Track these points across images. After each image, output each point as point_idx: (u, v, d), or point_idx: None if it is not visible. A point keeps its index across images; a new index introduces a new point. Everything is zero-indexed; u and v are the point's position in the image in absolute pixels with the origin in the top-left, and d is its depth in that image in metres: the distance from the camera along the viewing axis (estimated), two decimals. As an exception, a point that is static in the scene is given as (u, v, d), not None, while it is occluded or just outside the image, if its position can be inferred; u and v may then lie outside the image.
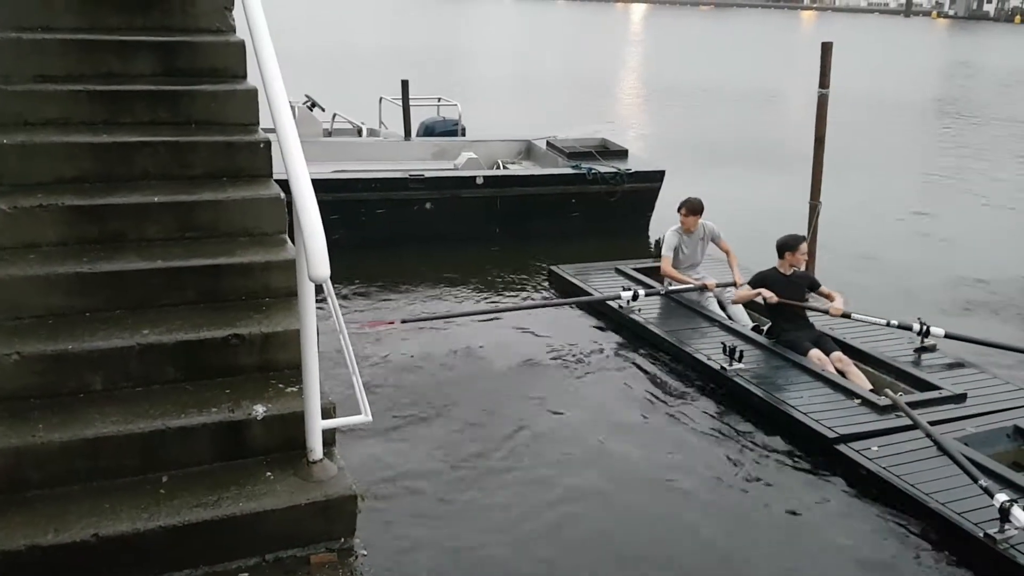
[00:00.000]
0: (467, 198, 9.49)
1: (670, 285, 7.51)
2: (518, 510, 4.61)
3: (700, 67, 32.78)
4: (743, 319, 7.25)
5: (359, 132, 11.55)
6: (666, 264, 7.48)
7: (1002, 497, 4.26)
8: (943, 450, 4.86)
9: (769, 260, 6.85)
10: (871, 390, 5.83)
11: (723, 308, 7.36)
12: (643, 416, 5.76)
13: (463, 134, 11.66)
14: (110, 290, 3.73)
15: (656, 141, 16.87)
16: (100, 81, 4.24)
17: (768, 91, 26.40)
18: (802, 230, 7.47)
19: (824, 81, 7.70)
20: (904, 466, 4.85)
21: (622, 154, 10.66)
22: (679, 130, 18.83)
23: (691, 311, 7.21)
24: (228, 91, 4.40)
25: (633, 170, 10.10)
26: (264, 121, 4.03)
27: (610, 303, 7.35)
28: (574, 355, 6.67)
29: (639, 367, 6.52)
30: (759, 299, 6.68)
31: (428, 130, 11.71)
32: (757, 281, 6.74)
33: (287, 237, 4.15)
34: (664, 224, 8.50)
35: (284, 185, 3.41)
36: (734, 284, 7.26)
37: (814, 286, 6.81)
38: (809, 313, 6.68)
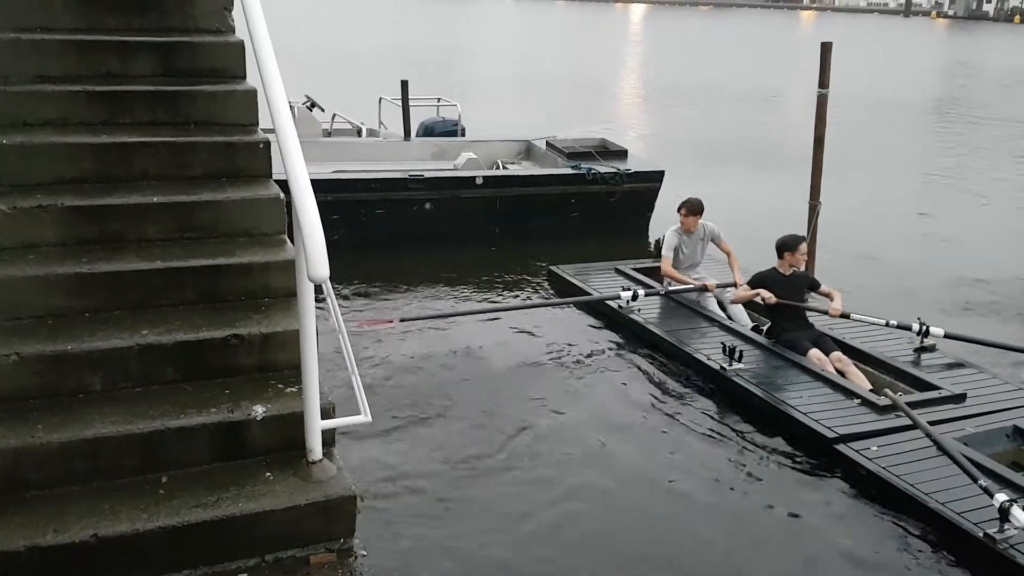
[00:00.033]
0: (467, 198, 9.49)
1: (670, 285, 7.51)
2: (518, 510, 4.61)
3: (700, 67, 32.78)
4: (743, 319, 7.25)
5: (359, 132, 11.55)
6: (666, 264, 7.49)
7: (1002, 497, 4.26)
8: (943, 450, 4.86)
9: (768, 260, 6.86)
10: (871, 390, 5.83)
11: (723, 308, 7.36)
12: (642, 416, 5.76)
13: (463, 134, 11.66)
14: (109, 290, 3.73)
15: (656, 141, 16.87)
16: (99, 82, 4.24)
17: (768, 91, 26.40)
18: (802, 230, 7.47)
19: (823, 81, 7.70)
20: (904, 466, 4.85)
21: (622, 154, 10.66)
22: (679, 130, 18.83)
23: (691, 311, 7.21)
24: (227, 91, 4.40)
25: (633, 170, 10.10)
26: (264, 121, 4.03)
27: (609, 303, 7.35)
28: (573, 355, 6.67)
29: (639, 367, 6.52)
30: (758, 299, 6.68)
31: (428, 130, 11.71)
32: (756, 281, 6.74)
33: (286, 237, 4.15)
34: (664, 224, 8.50)
35: (284, 185, 3.41)
36: (734, 285, 7.26)
37: (814, 286, 6.81)
38: (809, 313, 6.68)
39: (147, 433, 3.38)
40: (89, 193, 3.95)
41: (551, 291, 8.26)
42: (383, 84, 12.94)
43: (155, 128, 4.23)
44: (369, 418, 3.56)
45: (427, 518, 4.47)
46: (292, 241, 3.53)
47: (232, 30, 4.63)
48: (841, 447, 5.09)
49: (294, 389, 3.66)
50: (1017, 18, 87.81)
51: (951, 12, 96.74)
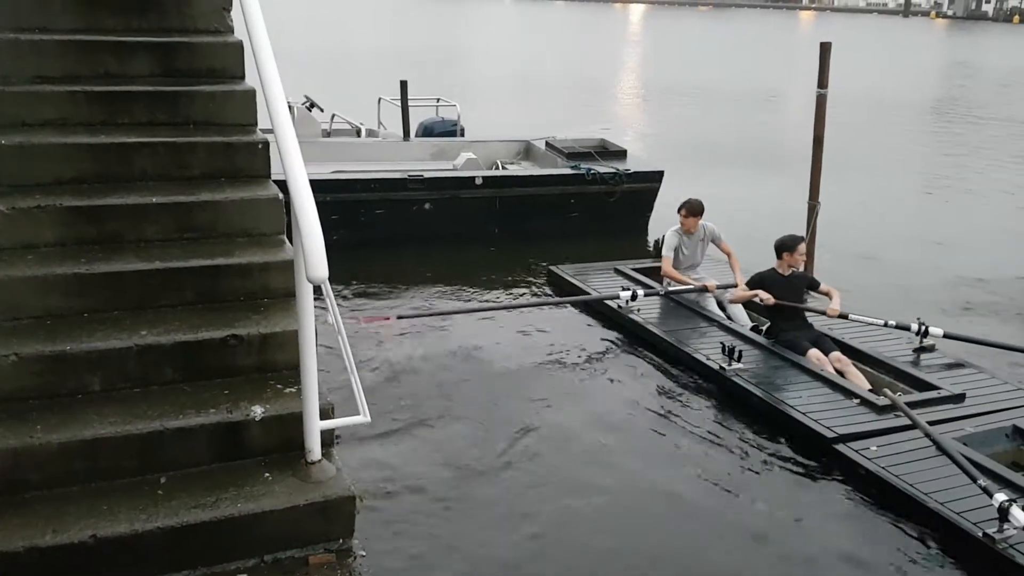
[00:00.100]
0: (466, 198, 9.49)
1: (669, 285, 7.51)
2: (517, 510, 4.61)
3: (699, 67, 32.79)
4: (742, 319, 7.25)
5: (358, 132, 11.55)
6: (667, 265, 7.49)
7: (1001, 497, 4.26)
8: (942, 450, 4.86)
9: (768, 261, 6.86)
10: (870, 390, 5.84)
11: (722, 308, 7.37)
12: (642, 416, 5.76)
13: (462, 134, 11.66)
14: (108, 291, 3.73)
15: (655, 141, 16.88)
16: (98, 82, 4.23)
17: (767, 91, 26.41)
18: (801, 230, 7.47)
19: (823, 81, 7.71)
20: (903, 466, 4.86)
21: (621, 154, 10.66)
22: (678, 130, 18.83)
23: (690, 311, 7.21)
24: (226, 92, 4.40)
25: (632, 170, 10.11)
26: (263, 122, 4.03)
27: (609, 303, 7.36)
28: (573, 355, 6.67)
29: (638, 367, 6.52)
30: (756, 300, 6.68)
31: (427, 130, 11.70)
32: (755, 282, 6.74)
33: (285, 238, 4.14)
34: (663, 224, 8.51)
35: (283, 186, 3.41)
36: (735, 286, 7.25)
37: (813, 286, 6.81)
38: (808, 313, 6.68)
39: (146, 434, 3.38)
40: (88, 193, 3.95)
41: (551, 291, 8.26)
42: (382, 84, 12.94)
43: (154, 128, 4.22)
44: (368, 418, 3.55)
45: (426, 518, 4.47)
46: (291, 241, 3.53)
47: (231, 30, 4.63)
48: (840, 447, 5.10)
49: (293, 389, 3.66)
50: (1016, 18, 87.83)
51: (950, 12, 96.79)
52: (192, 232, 4.04)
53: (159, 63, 4.38)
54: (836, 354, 6.26)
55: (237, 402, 3.57)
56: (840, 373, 6.09)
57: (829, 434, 5.22)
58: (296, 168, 3.22)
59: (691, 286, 7.39)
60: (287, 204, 3.38)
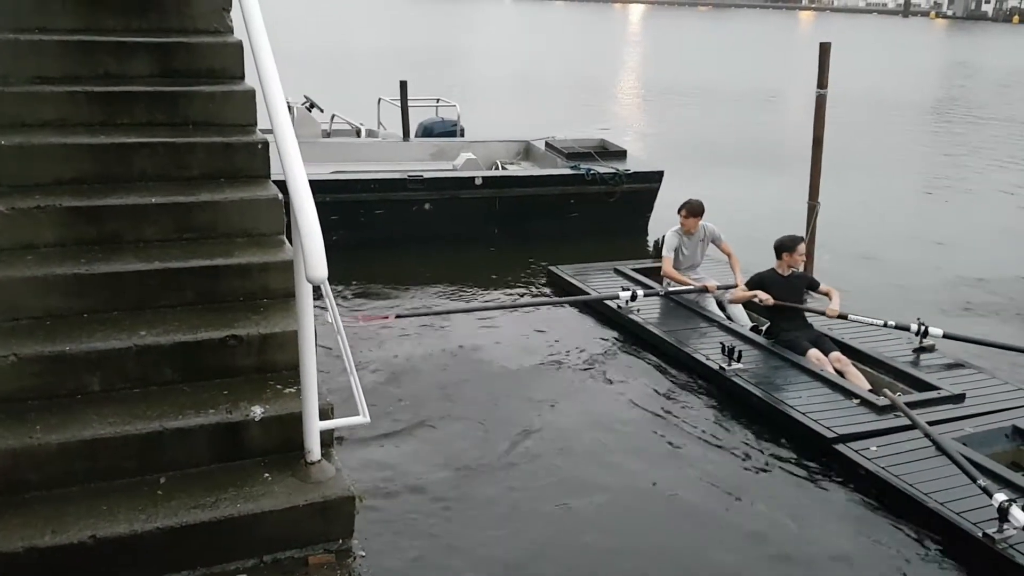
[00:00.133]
0: (466, 199, 9.48)
1: (669, 285, 7.51)
2: (517, 510, 4.61)
3: (699, 67, 32.80)
4: (742, 319, 7.25)
5: (358, 133, 11.55)
6: (667, 265, 7.49)
7: (1001, 497, 4.26)
8: (942, 450, 4.86)
9: (767, 261, 6.86)
10: (870, 390, 5.84)
11: (722, 308, 7.37)
12: (641, 416, 5.75)
13: (462, 135, 11.66)
14: (108, 291, 3.73)
15: (655, 141, 16.88)
16: (98, 82, 4.24)
17: (767, 91, 26.42)
18: (801, 230, 7.47)
19: (822, 81, 7.71)
20: (903, 466, 4.86)
21: (621, 155, 10.66)
22: (678, 130, 18.84)
23: (690, 311, 7.21)
24: (226, 92, 4.40)
25: (632, 171, 10.10)
26: (262, 122, 4.03)
27: (608, 303, 7.36)
28: (572, 355, 6.67)
29: (638, 367, 6.51)
30: (755, 300, 6.68)
31: (427, 131, 11.70)
32: (754, 282, 6.75)
33: (285, 238, 4.15)
34: (663, 224, 8.51)
35: (282, 186, 3.41)
36: (735, 287, 7.25)
37: (813, 286, 6.81)
38: (807, 313, 6.68)
39: (145, 434, 3.38)
40: (87, 194, 3.95)
41: (550, 291, 8.26)
42: (382, 85, 12.95)
43: (153, 129, 4.23)
44: (368, 419, 3.55)
45: (426, 518, 4.47)
46: (291, 242, 3.53)
47: (230, 30, 4.63)
48: (840, 447, 5.10)
49: (292, 390, 3.66)
50: (1016, 18, 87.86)
51: (950, 12, 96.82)
52: (191, 232, 4.05)
53: (159, 63, 4.38)
54: (836, 354, 6.26)
55: (237, 402, 3.58)
56: (840, 373, 6.09)
57: (829, 434, 5.22)
58: (295, 168, 3.23)
59: (691, 286, 7.39)
60: (287, 204, 3.38)
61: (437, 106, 12.16)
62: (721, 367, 6.09)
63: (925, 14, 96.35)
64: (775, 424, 5.55)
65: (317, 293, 3.34)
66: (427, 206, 9.32)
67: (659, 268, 7.70)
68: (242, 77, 4.52)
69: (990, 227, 11.48)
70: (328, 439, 3.66)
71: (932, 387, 5.85)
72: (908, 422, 5.19)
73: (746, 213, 10.43)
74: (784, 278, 6.67)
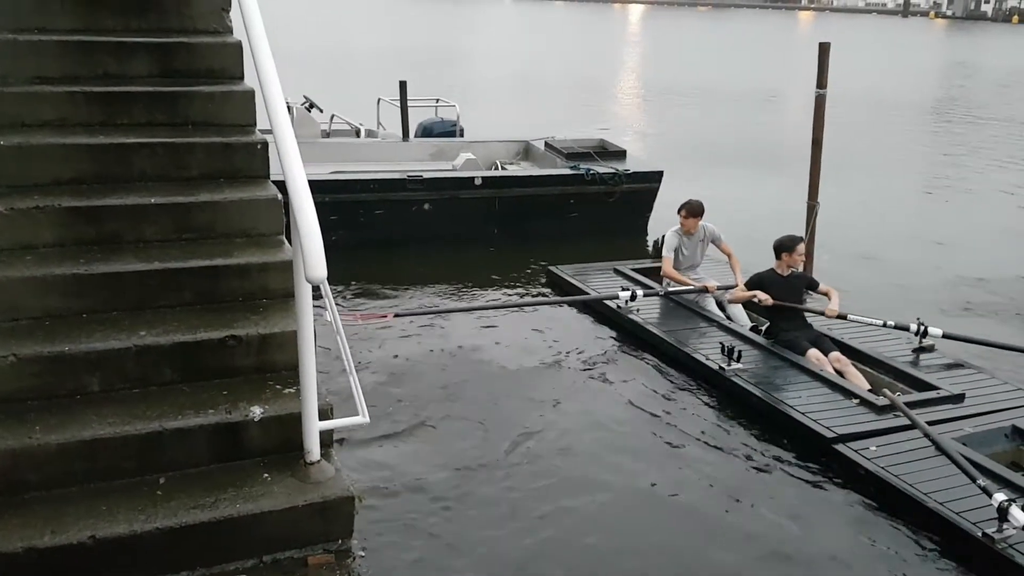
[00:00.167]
0: (465, 199, 9.48)
1: (669, 286, 7.51)
2: (516, 511, 4.60)
3: (698, 67, 32.81)
4: (742, 319, 7.25)
5: (357, 133, 11.55)
6: (667, 265, 7.48)
7: (1000, 497, 4.26)
8: (941, 450, 4.86)
9: (767, 261, 6.86)
10: (869, 390, 5.83)
11: (722, 308, 7.37)
12: (641, 416, 5.75)
13: (461, 135, 11.66)
14: (107, 291, 3.73)
15: (654, 141, 16.88)
16: (97, 83, 4.24)
17: (766, 91, 26.42)
18: (800, 230, 7.47)
19: (822, 81, 7.70)
20: (902, 466, 4.85)
21: (620, 155, 10.66)
22: (677, 131, 18.84)
23: (690, 311, 7.21)
24: (225, 92, 4.40)
25: (631, 171, 10.10)
26: (261, 122, 4.03)
27: (608, 303, 7.36)
28: (572, 355, 6.67)
29: (637, 367, 6.51)
30: (754, 300, 6.68)
31: (426, 131, 11.70)
32: (754, 283, 6.75)
33: (284, 238, 4.15)
34: (662, 225, 8.50)
35: (282, 186, 3.41)
36: (736, 287, 7.24)
37: (812, 286, 6.81)
38: (807, 313, 6.68)
39: (145, 434, 3.38)
40: (87, 194, 3.95)
41: (550, 291, 8.26)
42: (382, 85, 12.95)
43: (153, 129, 4.23)
44: (367, 419, 3.56)
45: (426, 518, 4.47)
46: (290, 242, 3.53)
47: (230, 31, 4.63)
48: (840, 447, 5.09)
49: (292, 390, 3.66)
50: (1015, 18, 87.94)
51: (949, 12, 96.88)
52: (191, 233, 4.05)
53: (158, 64, 4.39)
54: (835, 354, 6.26)
55: (236, 403, 3.58)
56: (839, 373, 6.09)
57: (828, 434, 5.21)
58: (295, 169, 3.23)
59: (691, 287, 7.39)
60: (286, 204, 3.38)
61: (436, 106, 12.16)
62: (721, 367, 6.09)
63: (924, 14, 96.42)
64: (775, 424, 5.55)
65: (316, 293, 3.34)
66: (427, 206, 9.32)
67: (659, 268, 7.70)
68: (241, 77, 4.53)
69: (990, 227, 11.48)
70: (327, 439, 3.66)
71: (932, 387, 5.84)
72: (908, 422, 5.18)
73: (745, 213, 10.43)
74: (783, 278, 6.67)
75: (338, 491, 3.45)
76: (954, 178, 14.63)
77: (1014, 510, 4.18)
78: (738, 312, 7.32)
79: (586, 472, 5.02)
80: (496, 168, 10.63)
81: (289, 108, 9.84)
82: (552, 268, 8.40)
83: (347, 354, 3.53)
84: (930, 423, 5.15)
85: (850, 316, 6.64)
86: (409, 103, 10.92)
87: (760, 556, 4.33)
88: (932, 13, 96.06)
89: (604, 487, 4.88)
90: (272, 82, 3.47)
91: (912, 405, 5.45)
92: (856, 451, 5.02)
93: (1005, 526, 4.20)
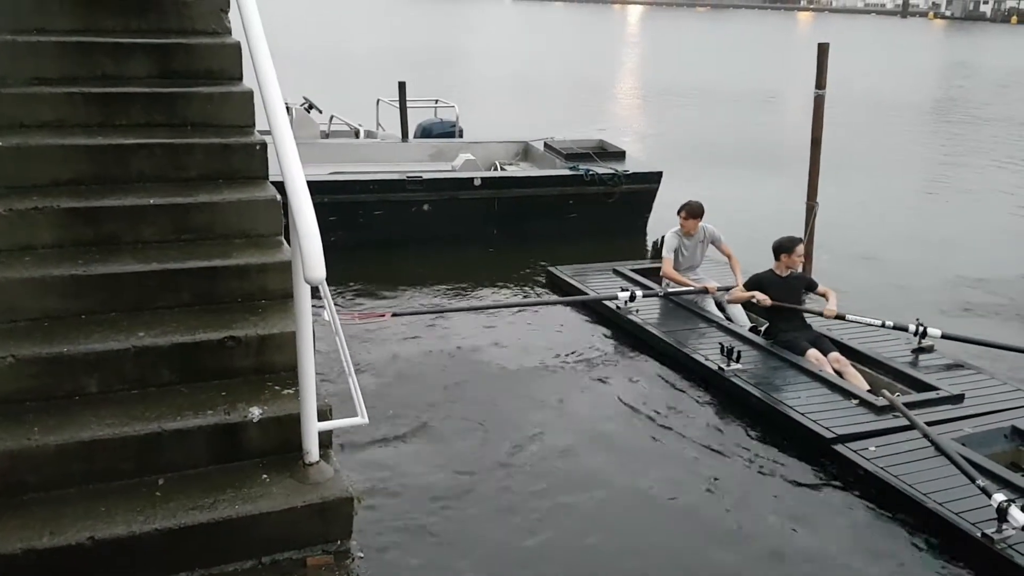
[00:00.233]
0: (465, 199, 9.48)
1: (668, 286, 7.51)
2: (515, 511, 4.60)
3: (697, 68, 32.81)
4: (741, 320, 7.25)
5: (356, 134, 11.54)
6: (667, 266, 7.48)
7: (1000, 497, 4.26)
8: (940, 450, 4.86)
9: (766, 261, 6.86)
10: (869, 390, 5.83)
11: (721, 309, 7.36)
12: (640, 417, 5.75)
13: (460, 135, 11.66)
14: (105, 292, 3.72)
15: (654, 142, 16.88)
16: (96, 83, 4.23)
17: (765, 92, 26.42)
18: (800, 231, 7.47)
19: (820, 82, 7.70)
20: (902, 466, 4.85)
21: (619, 155, 10.66)
22: (677, 131, 18.84)
23: (689, 312, 7.21)
24: (224, 93, 4.40)
25: (630, 171, 10.10)
26: (260, 123, 4.03)
27: (607, 304, 7.35)
28: (571, 356, 6.67)
29: (636, 368, 6.51)
30: (753, 300, 6.68)
31: (425, 132, 11.70)
32: (753, 283, 6.75)
33: (283, 239, 4.14)
34: (662, 225, 8.50)
35: (281, 187, 3.40)
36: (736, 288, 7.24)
37: (811, 287, 6.81)
38: (806, 314, 6.68)
39: (143, 435, 3.38)
40: (85, 195, 3.94)
41: (549, 292, 8.26)
42: (381, 85, 12.94)
43: (151, 130, 4.22)
44: (366, 420, 3.55)
45: (425, 519, 4.47)
46: (289, 243, 3.53)
47: (228, 31, 4.63)
48: (839, 447, 5.09)
49: (291, 391, 3.66)
50: (1014, 19, 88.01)
51: (948, 13, 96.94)
52: (189, 233, 4.04)
53: (157, 64, 4.38)
54: (835, 354, 6.26)
55: (235, 404, 3.57)
56: (839, 373, 6.09)
57: (828, 434, 5.21)
58: (293, 169, 3.23)
59: (691, 288, 7.39)
60: (285, 205, 3.38)
61: (436, 107, 12.15)
62: (720, 367, 6.09)
63: (923, 14, 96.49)
64: (774, 424, 5.55)
65: (315, 294, 3.33)
66: (426, 207, 9.32)
67: (658, 269, 7.70)
68: (240, 78, 4.52)
69: (989, 227, 11.49)
70: (326, 440, 3.66)
71: (931, 387, 5.84)
72: (907, 422, 5.18)
73: (745, 213, 10.44)
74: (782, 279, 6.67)
75: (337, 492, 3.45)
76: (953, 178, 14.64)
77: (1013, 510, 4.18)
78: (737, 313, 7.32)
79: (585, 472, 5.02)
80: (495, 169, 10.63)
81: (288, 109, 9.87)
82: (551, 269, 8.40)
83: (346, 355, 3.53)
84: (929, 423, 5.14)
85: (849, 316, 6.64)
86: (408, 104, 10.92)
87: (759, 556, 4.33)
88: (931, 14, 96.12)
89: (603, 487, 4.88)
90: (271, 83, 3.46)
91: (911, 405, 5.45)
92: (855, 451, 5.02)
93: (1004, 526, 4.20)
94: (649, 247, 9.85)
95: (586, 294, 7.61)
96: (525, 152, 11.30)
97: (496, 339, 6.94)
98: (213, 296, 3.90)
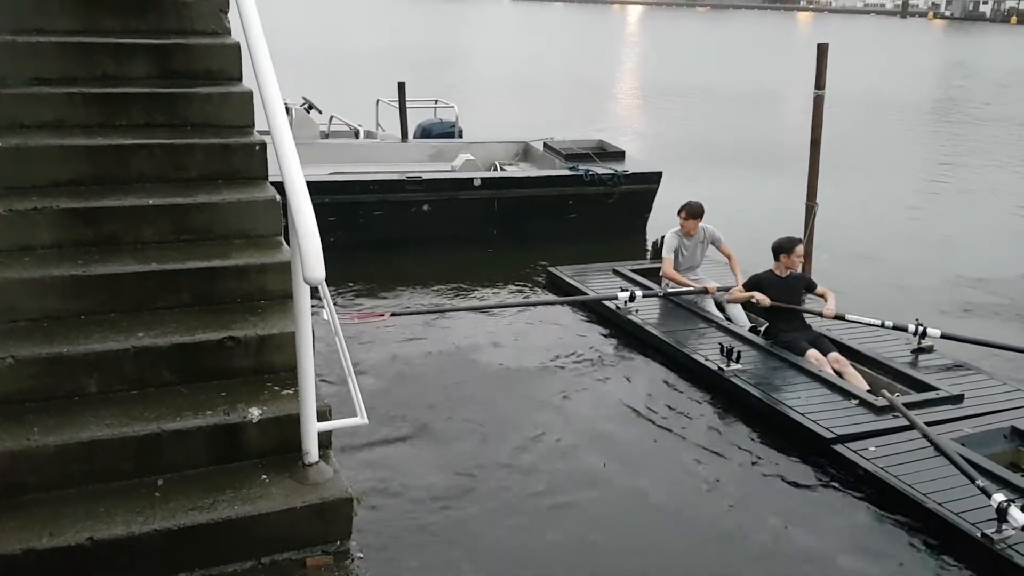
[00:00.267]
0: (464, 200, 9.48)
1: (668, 286, 7.51)
2: (515, 512, 4.60)
3: (697, 68, 32.81)
4: (741, 320, 7.25)
5: (356, 134, 11.54)
6: (667, 266, 7.48)
7: (999, 497, 4.26)
8: (940, 451, 4.85)
9: (766, 261, 6.86)
10: (868, 391, 5.83)
11: (721, 309, 7.36)
12: (640, 417, 5.75)
13: (460, 136, 11.65)
14: (105, 293, 3.72)
15: (653, 142, 16.88)
16: (95, 84, 4.23)
17: (765, 92, 26.42)
18: (799, 231, 7.47)
19: (820, 82, 7.70)
20: (901, 466, 4.85)
21: (619, 155, 10.66)
22: (676, 131, 18.84)
23: (689, 312, 7.21)
24: (224, 93, 4.40)
25: (630, 171, 10.10)
26: (260, 123, 4.03)
27: (607, 304, 7.35)
28: (571, 356, 6.67)
29: (636, 368, 6.51)
30: (752, 300, 6.68)
31: (425, 132, 11.70)
32: (752, 284, 6.75)
33: (283, 239, 4.14)
34: (661, 225, 8.50)
35: (281, 187, 3.40)
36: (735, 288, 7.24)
37: (811, 287, 6.81)
38: (806, 314, 6.68)
39: (143, 436, 3.38)
40: (85, 195, 3.94)
41: (549, 292, 8.26)
42: (381, 86, 12.94)
43: (151, 130, 4.22)
44: (366, 420, 3.55)
45: (425, 519, 4.47)
46: (288, 243, 3.53)
47: (228, 32, 4.63)
48: (839, 447, 5.09)
49: (290, 391, 3.66)
50: (1014, 19, 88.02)
51: (948, 13, 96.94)
52: (189, 234, 4.04)
53: (156, 65, 4.38)
54: (834, 355, 6.26)
55: (234, 404, 3.57)
56: (838, 374, 6.09)
57: (827, 434, 5.21)
58: (293, 170, 3.23)
59: (691, 288, 7.38)
60: (284, 206, 3.38)
61: (435, 107, 12.15)
62: (720, 368, 6.09)
63: (923, 15, 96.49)
64: (774, 424, 5.55)
65: (315, 294, 3.33)
66: (425, 207, 9.32)
67: (658, 269, 7.70)
68: (240, 78, 4.52)
69: (989, 227, 11.49)
70: (326, 440, 3.66)
71: (930, 387, 5.84)
72: (907, 422, 5.18)
73: (744, 214, 10.44)
74: (782, 279, 6.67)
75: (336, 492, 3.45)
76: (953, 178, 14.64)
77: (1013, 511, 4.18)
78: (737, 313, 7.32)
79: (585, 472, 5.02)
80: (495, 169, 10.63)
81: (288, 109, 9.88)
82: (551, 269, 8.40)
83: (345, 355, 3.53)
84: (929, 424, 5.14)
85: (849, 316, 6.64)
86: (408, 104, 10.92)
87: (759, 556, 4.33)
88: (931, 14, 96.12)
89: (603, 487, 4.88)
90: (270, 83, 3.46)
91: (911, 406, 5.45)
92: (855, 451, 5.02)
93: (1004, 527, 4.20)
94: (649, 247, 9.84)
95: (586, 294, 7.61)
96: (525, 152, 11.29)
97: (496, 339, 6.94)
98: (213, 296, 3.90)
